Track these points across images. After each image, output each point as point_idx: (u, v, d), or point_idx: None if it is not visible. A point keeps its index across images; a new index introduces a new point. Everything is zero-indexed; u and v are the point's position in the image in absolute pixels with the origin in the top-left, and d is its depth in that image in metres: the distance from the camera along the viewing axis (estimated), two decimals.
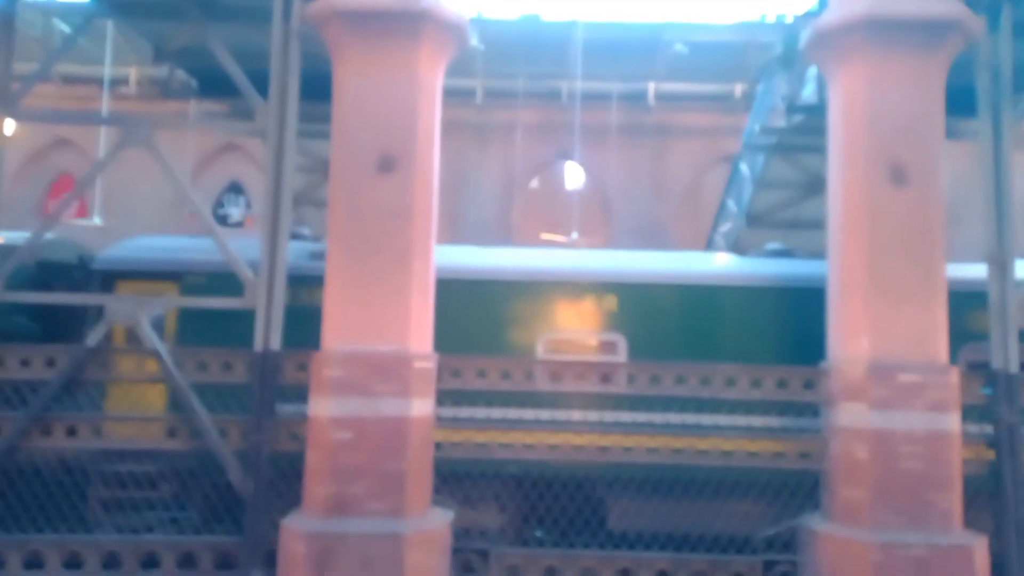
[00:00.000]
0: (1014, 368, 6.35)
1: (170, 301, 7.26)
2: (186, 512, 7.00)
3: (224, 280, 6.73)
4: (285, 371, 6.43)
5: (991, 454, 6.41)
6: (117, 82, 13.72)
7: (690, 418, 7.06)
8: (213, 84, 8.29)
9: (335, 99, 6.53)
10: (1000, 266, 6.48)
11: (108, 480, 6.86)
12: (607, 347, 7.76)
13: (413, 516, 6.00)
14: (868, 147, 6.41)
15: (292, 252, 6.77)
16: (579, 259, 8.68)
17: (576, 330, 7.85)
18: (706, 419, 7.01)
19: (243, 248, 6.76)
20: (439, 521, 6.22)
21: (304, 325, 6.43)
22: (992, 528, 6.22)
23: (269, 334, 6.33)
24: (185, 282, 7.64)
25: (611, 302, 7.83)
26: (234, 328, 6.56)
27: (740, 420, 6.89)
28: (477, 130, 15.73)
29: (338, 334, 6.19)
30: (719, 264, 8.79)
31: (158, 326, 7.04)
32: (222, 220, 15.61)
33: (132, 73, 14.55)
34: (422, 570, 5.81)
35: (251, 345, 6.36)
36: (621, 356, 7.62)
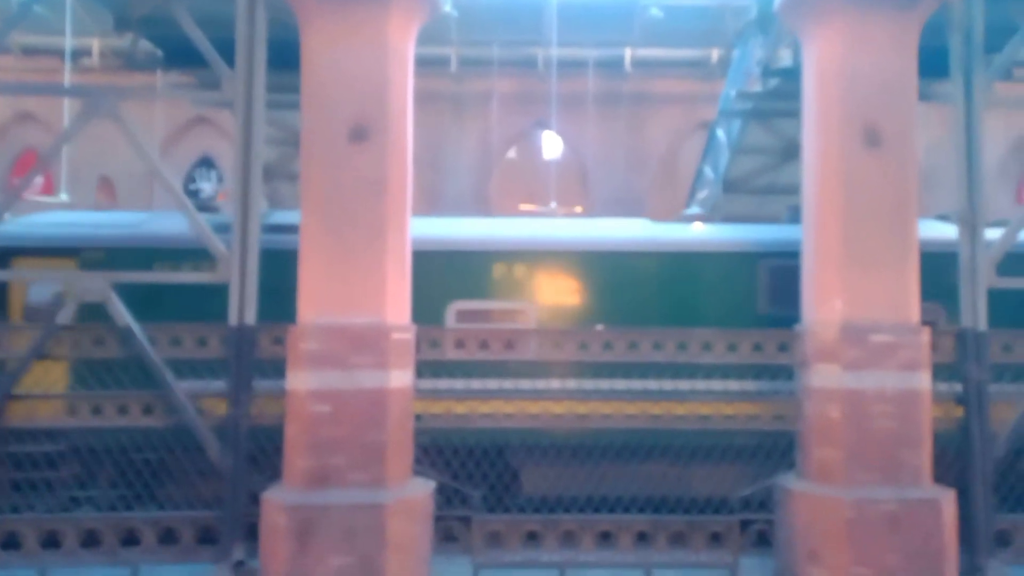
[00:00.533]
0: (982, 326, 6.47)
1: (141, 276, 7.13)
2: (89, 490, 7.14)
3: (124, 255, 6.86)
4: (261, 345, 6.38)
5: (960, 411, 6.54)
6: (80, 53, 13.35)
7: (667, 384, 7.16)
8: (179, 54, 8.09)
9: (303, 67, 6.39)
10: (970, 227, 6.56)
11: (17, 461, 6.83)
12: (515, 315, 8.09)
13: (394, 486, 6.04)
14: (843, 110, 6.42)
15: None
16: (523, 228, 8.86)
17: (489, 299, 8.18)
18: (683, 384, 7.12)
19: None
20: (420, 490, 6.26)
21: None
22: (960, 482, 6.37)
23: (244, 308, 6.27)
24: (83, 258, 7.57)
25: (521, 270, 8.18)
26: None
27: (717, 384, 6.99)
28: (453, 100, 15.56)
29: (314, 307, 6.14)
30: (622, 231, 9.04)
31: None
32: (194, 195, 15.36)
33: (95, 44, 14.13)
34: (404, 538, 5.86)
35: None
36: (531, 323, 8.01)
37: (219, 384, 6.36)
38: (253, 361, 6.31)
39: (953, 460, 6.51)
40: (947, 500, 6.06)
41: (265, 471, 6.37)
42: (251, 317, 6.29)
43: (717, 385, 6.99)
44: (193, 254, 6.71)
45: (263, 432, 6.38)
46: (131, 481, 6.74)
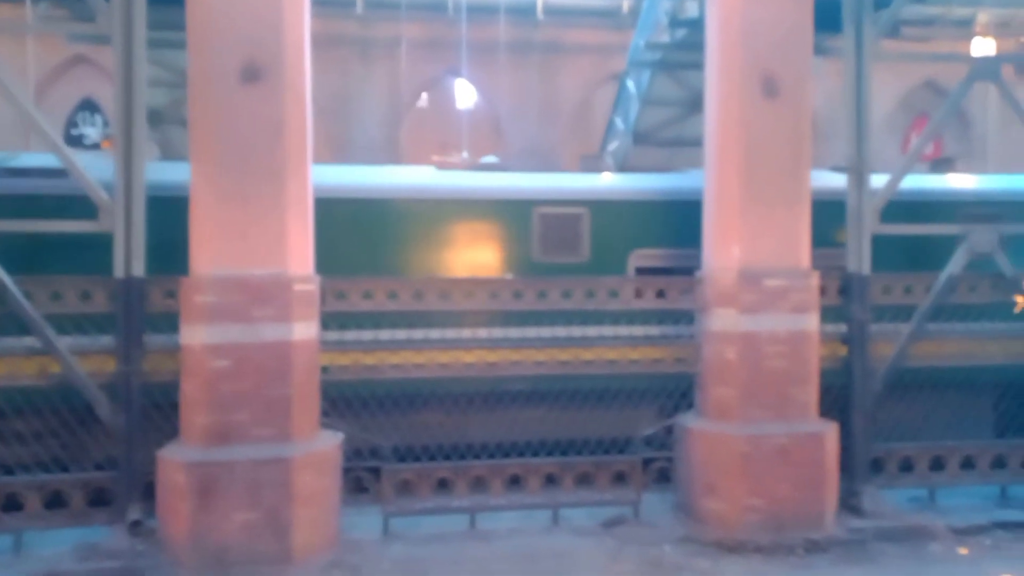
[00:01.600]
0: (866, 270, 6.87)
1: (15, 226, 6.59)
2: None
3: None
4: (151, 299, 6.05)
5: (844, 350, 6.98)
6: None
7: (576, 331, 7.31)
8: None
9: (188, 1, 5.94)
10: (858, 175, 6.91)
11: None
12: None
13: (301, 440, 5.92)
14: (743, 60, 6.55)
15: None
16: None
17: None
18: (591, 331, 7.29)
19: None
20: (328, 443, 6.18)
21: None
22: (842, 415, 6.83)
23: (131, 260, 5.91)
24: None
25: None
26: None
27: (623, 330, 7.18)
28: (359, 45, 14.94)
29: (209, 258, 5.85)
30: (405, 177, 9.17)
31: None
32: (77, 141, 14.24)
33: None
34: (312, 491, 5.79)
35: None
36: None
37: (107, 340, 6.01)
38: (143, 315, 5.99)
39: (837, 395, 6.96)
40: (831, 432, 6.50)
41: (162, 429, 6.12)
42: (139, 269, 5.94)
43: (624, 331, 7.18)
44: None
45: (158, 389, 6.10)
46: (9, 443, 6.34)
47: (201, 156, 5.91)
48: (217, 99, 5.84)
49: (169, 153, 9.29)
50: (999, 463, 7.20)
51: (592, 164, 10.08)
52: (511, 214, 8.58)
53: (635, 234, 8.72)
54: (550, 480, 6.81)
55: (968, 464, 7.18)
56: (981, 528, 6.50)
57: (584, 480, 6.82)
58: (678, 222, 8.54)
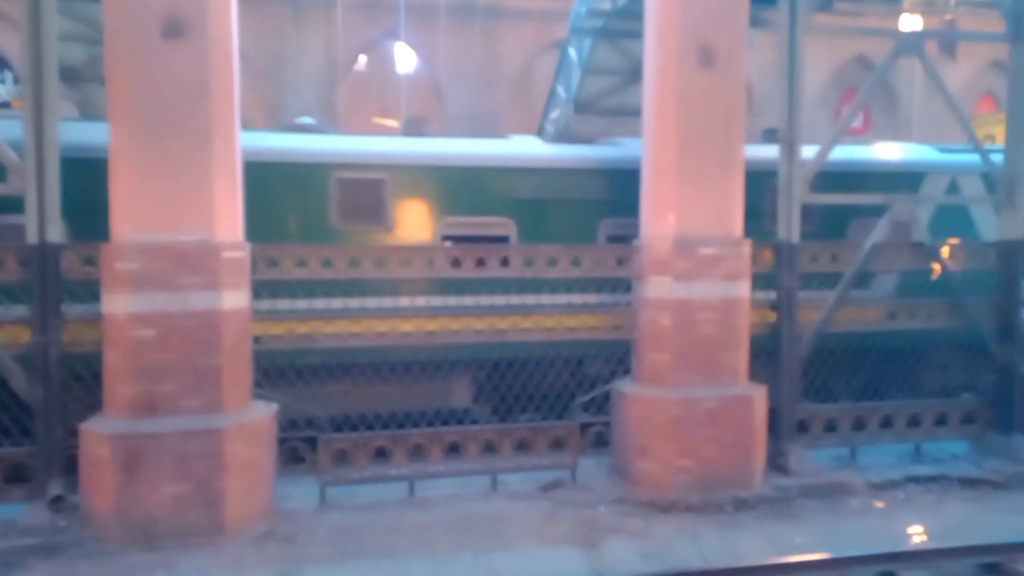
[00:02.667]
0: (795, 238, 7.08)
1: None
2: None
3: None
4: (69, 265, 5.76)
5: (773, 316, 7.20)
6: None
7: (514, 299, 7.33)
8: None
9: None
10: (789, 145, 7.06)
11: None
12: None
13: (232, 410, 5.79)
14: (680, 29, 6.57)
15: None
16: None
17: None
18: (529, 299, 7.33)
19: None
20: (262, 413, 6.06)
21: None
22: (771, 379, 7.08)
23: (45, 224, 5.60)
24: None
25: None
26: None
27: (561, 298, 7.23)
28: (292, 3, 14.38)
29: (132, 223, 5.58)
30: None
31: None
32: None
33: None
34: (244, 461, 5.68)
35: None
36: None
37: (21, 310, 5.71)
38: (60, 283, 5.70)
39: (766, 359, 7.19)
40: (759, 395, 6.73)
41: (83, 401, 5.88)
42: (55, 234, 5.64)
43: (561, 299, 7.23)
44: None
45: (78, 360, 5.85)
46: None
47: (121, 116, 5.60)
48: (137, 56, 5.53)
49: (89, 113, 8.81)
50: (914, 422, 7.61)
51: (416, 128, 9.52)
52: (308, 178, 8.09)
53: (444, 202, 8.47)
54: (489, 447, 6.86)
55: (887, 423, 7.57)
56: (896, 483, 6.88)
57: (523, 446, 6.89)
58: (485, 189, 8.49)
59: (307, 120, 9.36)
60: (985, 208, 9.15)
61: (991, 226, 8.61)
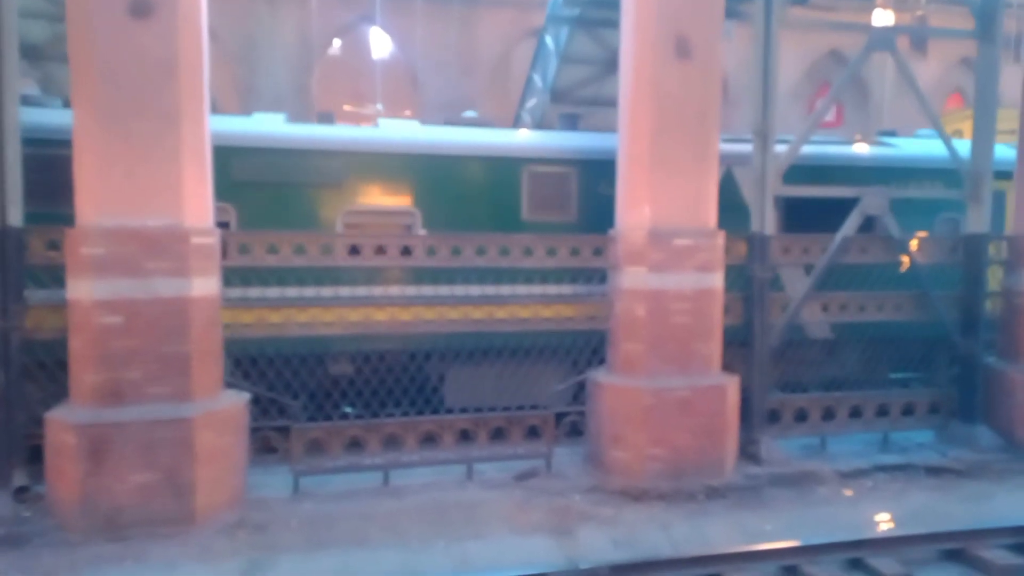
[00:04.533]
0: (769, 230, 7.14)
1: None
2: None
3: None
4: (32, 250, 5.61)
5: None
6: None
7: (490, 289, 7.30)
8: None
9: None
10: (763, 137, 7.11)
11: None
12: None
13: (201, 398, 5.69)
14: (657, 19, 6.56)
15: None
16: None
17: None
18: (505, 289, 7.30)
19: None
20: (232, 402, 5.97)
21: None
22: (743, 369, 7.15)
23: (6, 207, 5.44)
24: None
25: None
26: None
27: (536, 288, 7.22)
28: None
29: (97, 207, 5.45)
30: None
31: None
32: None
33: None
34: (214, 450, 5.60)
35: None
36: None
37: None
38: (22, 268, 5.55)
39: (738, 349, 7.27)
40: (732, 385, 6.80)
41: (47, 389, 5.75)
42: (16, 218, 5.48)
43: (537, 289, 7.22)
44: None
45: (42, 347, 5.71)
46: None
47: (85, 97, 5.45)
48: (102, 34, 5.38)
49: (51, 92, 8.56)
50: (883, 412, 7.76)
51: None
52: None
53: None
54: (465, 436, 6.85)
55: (856, 413, 7.70)
56: (864, 471, 7.02)
57: (498, 435, 6.89)
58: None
59: None
60: None
61: None
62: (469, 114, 10.13)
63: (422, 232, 7.83)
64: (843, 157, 9.11)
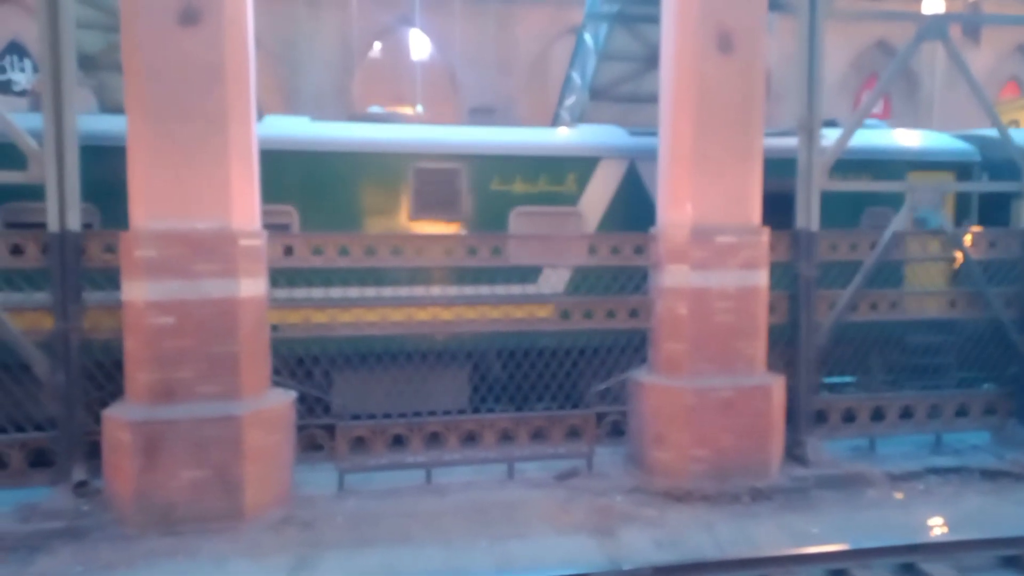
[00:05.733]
0: (815, 227, 6.99)
1: None
2: None
3: None
4: (90, 253, 5.81)
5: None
6: None
7: (531, 288, 7.28)
8: None
9: None
10: (808, 132, 6.96)
11: None
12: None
13: (250, 397, 5.83)
14: (699, 13, 6.48)
15: None
16: None
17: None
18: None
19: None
20: (280, 400, 6.09)
21: None
22: (789, 368, 7.01)
23: (65, 212, 5.64)
24: None
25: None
26: None
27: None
28: None
29: (149, 211, 5.61)
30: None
31: None
32: (5, 88, 13.43)
33: None
34: (262, 448, 5.73)
35: None
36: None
37: (43, 296, 5.77)
38: (81, 270, 5.76)
39: (784, 348, 7.12)
40: (777, 385, 6.67)
41: (105, 387, 5.95)
42: (75, 222, 5.68)
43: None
44: None
45: (100, 346, 5.91)
46: None
47: (137, 104, 5.62)
48: (153, 42, 5.54)
49: (106, 101, 8.85)
50: (935, 413, 7.52)
51: None
52: None
53: None
54: (505, 435, 6.87)
55: (906, 414, 7.49)
56: (915, 474, 6.82)
57: (539, 435, 6.89)
58: None
59: None
60: None
61: None
62: (374, 109, 9.64)
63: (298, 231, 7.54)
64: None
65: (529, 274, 7.86)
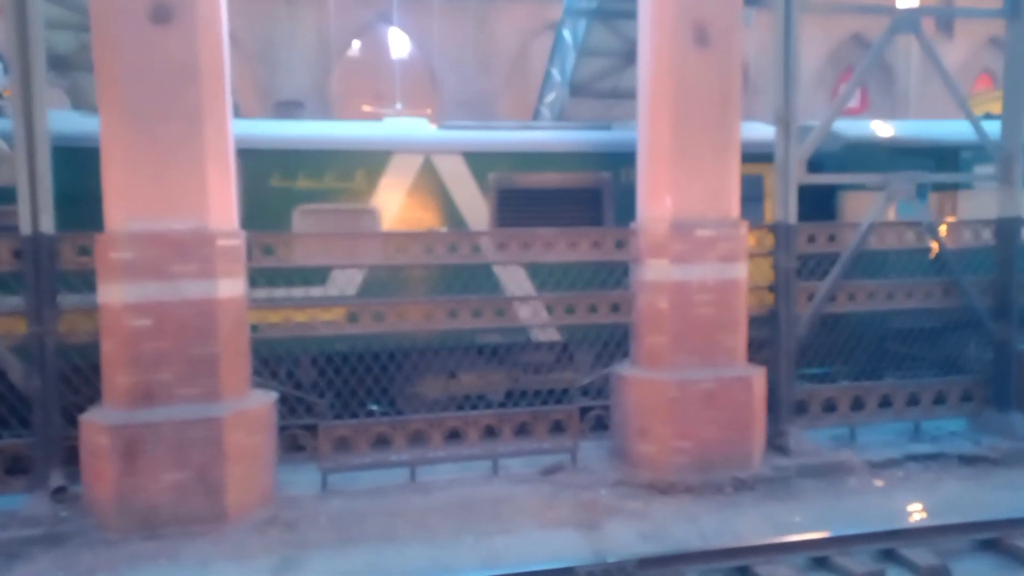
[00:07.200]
0: (793, 219, 7.05)
1: None
2: None
3: None
4: (64, 256, 5.74)
5: (772, 297, 7.18)
6: None
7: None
8: None
9: None
10: (785, 125, 7.01)
11: None
12: None
13: (230, 398, 5.78)
14: (675, 8, 6.50)
15: None
16: None
17: None
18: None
19: None
20: (261, 401, 6.05)
21: None
22: (769, 360, 7.07)
23: (38, 214, 5.55)
24: None
25: None
26: None
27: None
28: None
29: (124, 212, 5.54)
30: None
31: None
32: None
33: None
34: (244, 450, 5.68)
35: None
36: None
37: (16, 300, 5.68)
38: (55, 274, 5.67)
39: (764, 340, 7.18)
40: (758, 376, 6.73)
41: (82, 392, 5.87)
42: (48, 225, 5.60)
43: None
44: None
45: (76, 350, 5.83)
46: None
47: (110, 104, 5.55)
48: (125, 41, 5.46)
49: (79, 101, 8.74)
50: (913, 401, 7.62)
51: None
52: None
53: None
54: (490, 432, 6.87)
55: (886, 403, 7.58)
56: (895, 461, 6.91)
57: (523, 430, 6.90)
58: None
59: None
60: None
61: None
62: None
63: None
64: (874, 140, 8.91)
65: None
